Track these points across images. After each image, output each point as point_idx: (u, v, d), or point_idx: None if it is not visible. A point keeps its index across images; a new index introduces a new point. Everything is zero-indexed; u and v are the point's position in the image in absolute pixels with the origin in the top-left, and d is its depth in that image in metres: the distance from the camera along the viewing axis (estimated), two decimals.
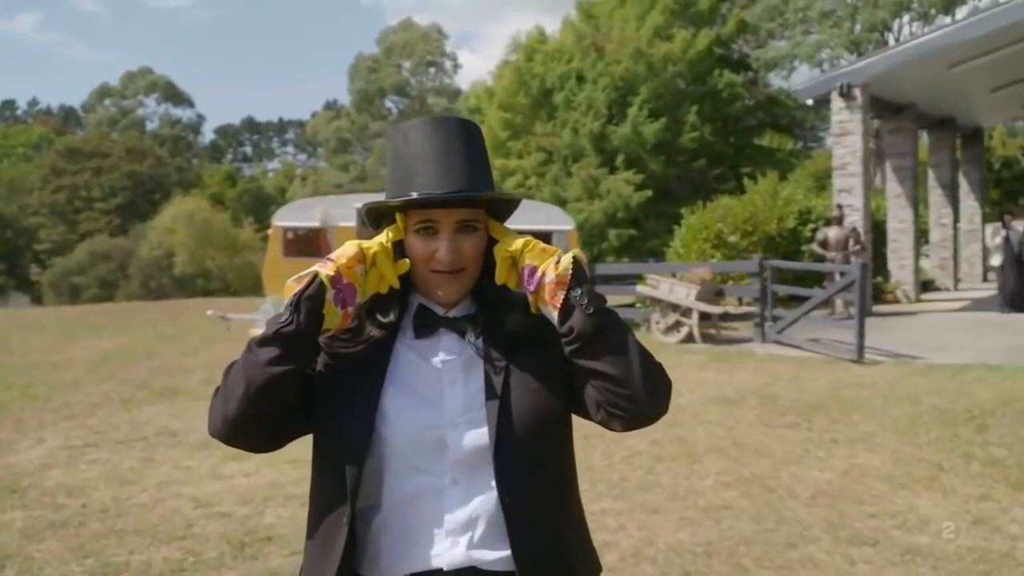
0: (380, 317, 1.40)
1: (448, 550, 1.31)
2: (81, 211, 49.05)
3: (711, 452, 5.80)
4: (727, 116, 31.89)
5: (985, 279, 20.58)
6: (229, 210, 43.79)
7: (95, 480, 5.40)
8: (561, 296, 1.28)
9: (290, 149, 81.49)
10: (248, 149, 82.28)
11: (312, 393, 1.39)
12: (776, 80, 35.79)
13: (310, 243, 13.31)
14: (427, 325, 1.39)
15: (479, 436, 1.33)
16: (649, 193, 27.98)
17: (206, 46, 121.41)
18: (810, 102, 15.71)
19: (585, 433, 5.80)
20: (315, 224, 12.94)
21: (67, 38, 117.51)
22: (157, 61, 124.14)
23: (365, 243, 1.36)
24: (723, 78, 30.42)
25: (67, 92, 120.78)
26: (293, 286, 1.31)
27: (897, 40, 31.64)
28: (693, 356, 10.23)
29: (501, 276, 1.37)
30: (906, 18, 35.51)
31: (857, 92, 13.93)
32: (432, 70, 60.57)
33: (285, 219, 13.22)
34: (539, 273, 1.31)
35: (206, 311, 13.82)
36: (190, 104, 66.40)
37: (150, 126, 64.15)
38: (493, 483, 1.32)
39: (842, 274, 12.97)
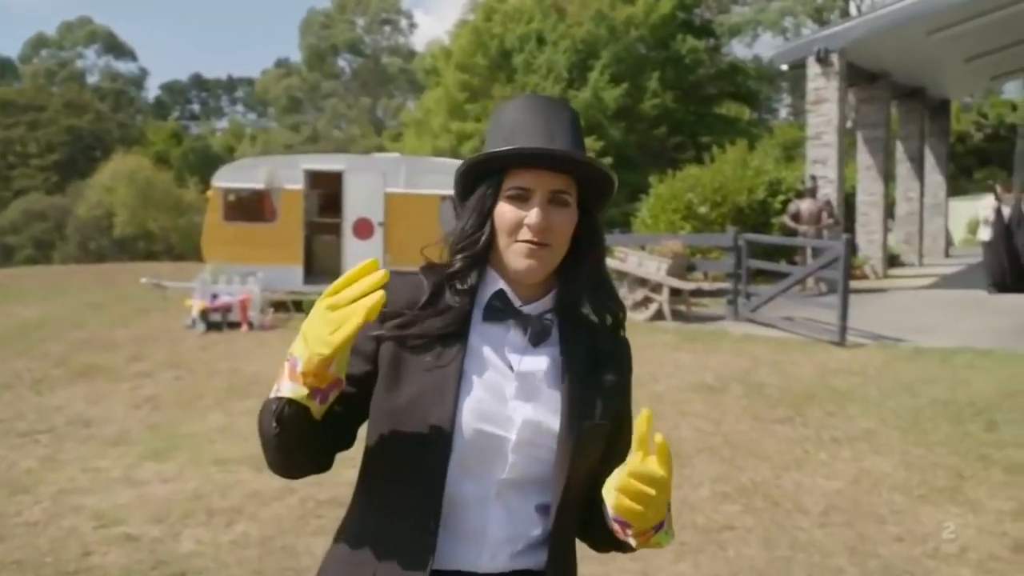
0: (459, 284, 1.30)
1: (488, 561, 1.25)
2: (15, 167, 46.77)
3: (701, 452, 5.15)
4: (689, 83, 31.24)
5: (947, 255, 20.37)
6: (174, 169, 42.08)
7: None
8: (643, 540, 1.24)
9: (240, 108, 79.04)
10: (196, 107, 79.57)
11: (368, 377, 1.28)
12: (738, 48, 35.26)
13: (254, 206, 12.28)
14: (499, 310, 1.30)
15: (541, 466, 1.25)
16: (609, 161, 27.22)
17: None
18: (784, 67, 15.04)
19: None
20: (259, 186, 11.89)
21: None
22: (98, 12, 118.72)
23: (324, 344, 1.10)
24: (686, 43, 29.72)
25: (2, 43, 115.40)
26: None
27: (859, 10, 31.27)
28: (664, 335, 9.59)
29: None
30: None
31: (834, 58, 13.30)
32: (387, 28, 58.79)
33: (227, 180, 12.12)
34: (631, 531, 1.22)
35: (140, 278, 12.83)
36: (133, 57, 63.62)
37: (91, 80, 61.43)
38: (537, 509, 1.27)
39: (815, 250, 12.50)
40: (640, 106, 28.49)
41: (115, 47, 61.50)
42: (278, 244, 11.76)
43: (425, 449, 1.23)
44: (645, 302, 11.04)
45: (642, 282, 11.01)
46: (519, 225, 1.26)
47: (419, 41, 70.19)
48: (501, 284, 1.31)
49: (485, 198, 1.29)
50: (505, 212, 1.27)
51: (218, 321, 10.38)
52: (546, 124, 1.28)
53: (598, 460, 1.30)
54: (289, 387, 1.14)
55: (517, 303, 1.30)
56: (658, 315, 10.84)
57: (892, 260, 16.54)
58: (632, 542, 1.22)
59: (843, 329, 8.84)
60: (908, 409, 6.11)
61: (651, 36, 29.23)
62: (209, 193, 12.48)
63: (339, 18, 56.64)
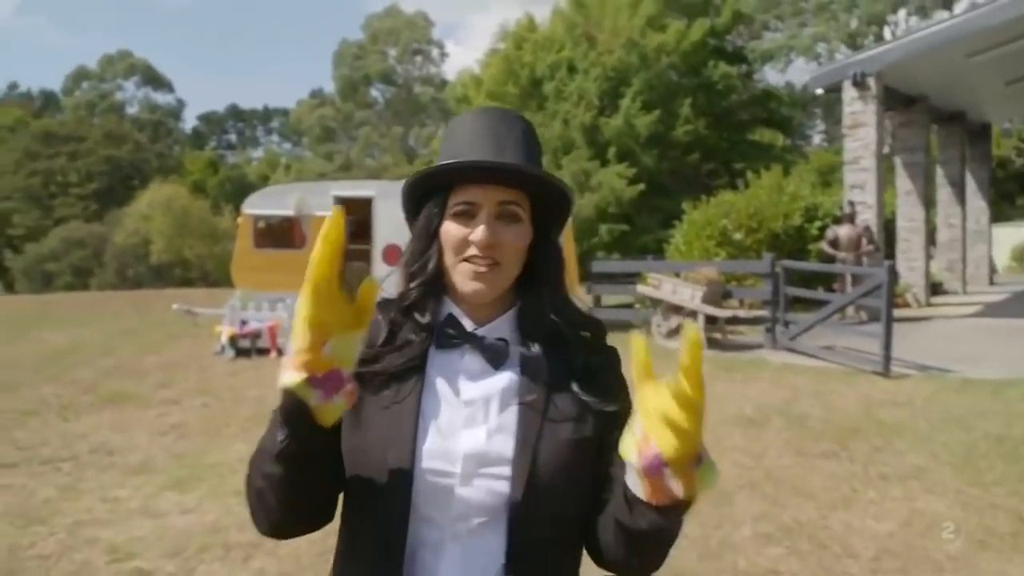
0: (419, 317, 1.24)
1: None
2: (56, 196, 47.63)
3: (742, 489, 4.90)
4: (721, 110, 31.03)
5: (991, 282, 19.86)
6: (210, 198, 42.57)
7: None
8: (672, 491, 0.99)
9: (275, 138, 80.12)
10: (232, 137, 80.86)
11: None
12: (771, 74, 35.06)
13: (283, 233, 12.24)
14: (451, 337, 1.22)
15: (496, 496, 1.15)
16: (642, 187, 27.07)
17: (190, 33, 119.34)
18: (819, 91, 14.78)
19: None
20: (289, 213, 11.87)
21: (46, 22, 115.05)
22: (140, 48, 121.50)
23: (304, 304, 1.03)
24: (718, 70, 29.57)
25: (47, 77, 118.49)
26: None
27: (894, 35, 30.93)
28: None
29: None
30: (902, 13, 34.84)
31: (871, 81, 13.06)
32: (419, 58, 59.33)
33: (256, 207, 12.12)
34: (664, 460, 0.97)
35: (171, 305, 12.83)
36: (170, 89, 64.76)
37: (130, 111, 62.61)
38: (497, 549, 1.15)
39: (855, 277, 12.19)
40: (672, 133, 28.32)
41: (153, 79, 62.73)
42: (306, 271, 11.67)
43: (384, 495, 1.16)
44: (679, 329, 10.79)
45: (676, 309, 10.78)
46: (465, 243, 1.19)
47: (450, 70, 70.71)
48: (451, 308, 1.25)
49: (431, 217, 1.23)
50: (451, 230, 1.21)
51: (247, 348, 10.30)
52: (495, 138, 1.22)
53: (586, 485, 1.20)
54: (285, 378, 1.03)
55: (470, 326, 1.24)
56: None
57: (934, 288, 16.13)
58: (674, 487, 0.99)
59: (887, 359, 8.52)
60: (960, 444, 5.80)
61: (683, 63, 29.11)
62: (239, 220, 12.48)
63: (371, 49, 57.29)
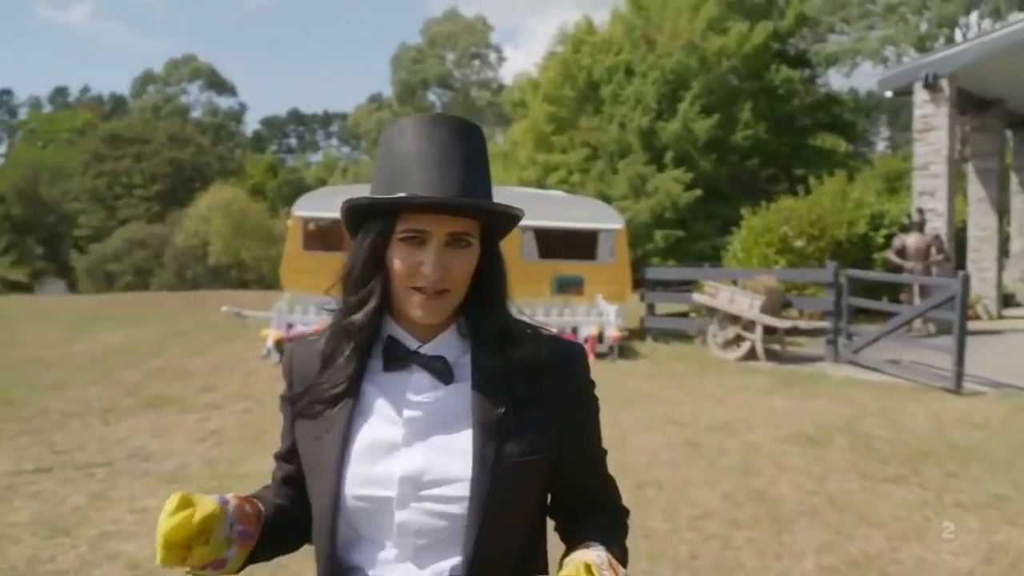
0: (357, 340, 1.21)
1: None
2: (121, 197, 48.73)
3: (802, 516, 4.54)
4: (782, 114, 30.30)
5: None
6: (268, 201, 43.13)
7: (21, 527, 4.29)
8: None
9: (334, 142, 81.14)
10: (293, 141, 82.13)
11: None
12: (835, 79, 34.17)
13: (333, 236, 12.13)
14: (396, 359, 1.20)
15: (442, 518, 1.13)
16: (699, 193, 26.54)
17: (258, 35, 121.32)
18: (889, 94, 14.19)
19: (639, 481, 4.55)
20: (338, 215, 11.72)
21: (120, 27, 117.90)
22: (208, 51, 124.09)
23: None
24: (780, 74, 28.87)
25: (118, 81, 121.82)
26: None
27: (964, 38, 29.83)
28: (758, 377, 8.93)
29: None
30: (974, 16, 33.64)
31: (944, 83, 12.47)
32: (476, 62, 59.38)
33: (306, 208, 12.02)
34: None
35: (221, 307, 12.82)
36: (233, 92, 65.97)
37: (194, 114, 63.91)
38: (453, 570, 1.13)
39: (923, 288, 11.64)
40: (731, 137, 27.76)
41: (217, 83, 63.89)
42: None
43: (318, 523, 1.19)
44: (736, 340, 10.39)
45: (734, 319, 10.37)
46: (414, 271, 1.15)
47: (508, 75, 70.62)
48: (392, 328, 1.22)
49: (376, 243, 1.17)
50: (399, 256, 1.16)
51: None
52: (440, 157, 1.15)
53: (537, 494, 1.22)
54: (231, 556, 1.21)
55: (414, 344, 1.21)
56: (750, 355, 10.16)
57: (1006, 300, 15.37)
58: None
59: (959, 375, 8.03)
60: None
61: (744, 66, 28.50)
62: (289, 222, 12.42)
63: (430, 53, 57.56)
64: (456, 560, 1.13)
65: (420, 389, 1.18)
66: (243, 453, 5.94)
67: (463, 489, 1.12)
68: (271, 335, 10.17)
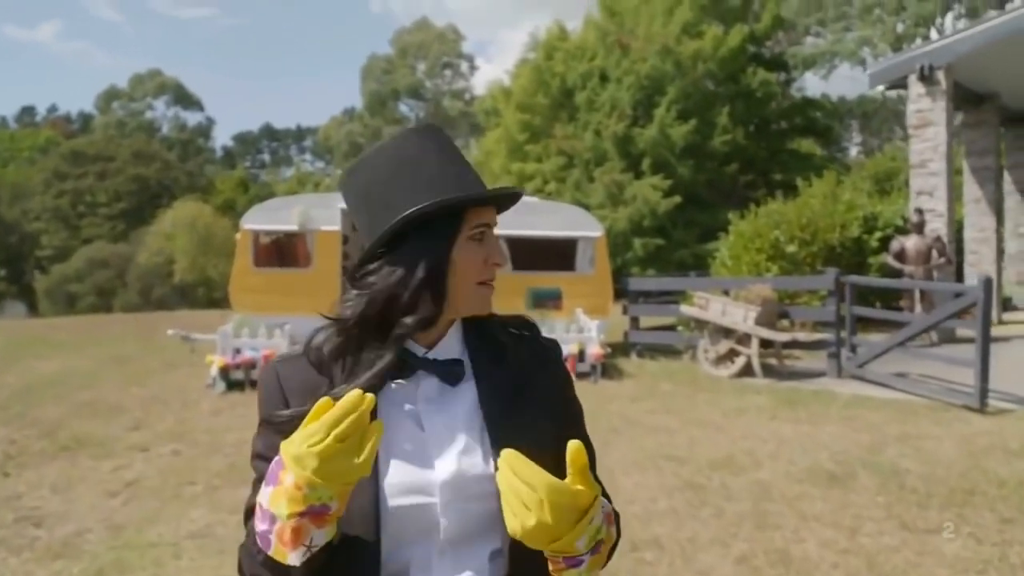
0: (372, 351, 1.19)
1: None
2: (84, 216, 47.37)
3: None
4: (760, 119, 29.65)
5: None
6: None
7: None
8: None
9: (308, 156, 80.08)
10: (266, 156, 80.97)
11: None
12: (810, 84, 33.67)
13: (287, 250, 11.10)
14: (410, 367, 1.20)
15: (482, 514, 1.16)
16: (677, 200, 25.75)
17: (228, 54, 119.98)
18: (880, 88, 13.44)
19: (634, 542, 3.63)
20: (292, 227, 10.76)
21: (89, 46, 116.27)
22: (180, 70, 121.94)
23: (342, 467, 1.02)
24: (756, 77, 28.22)
25: (87, 100, 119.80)
26: None
27: (955, 29, 29.38)
28: (757, 397, 8.04)
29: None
30: (949, 17, 33.25)
31: (940, 75, 11.70)
32: (448, 72, 58.51)
33: (256, 221, 10.97)
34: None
35: (167, 330, 11.78)
36: (200, 107, 64.71)
37: (163, 131, 62.53)
38: (492, 556, 1.17)
39: (924, 293, 10.86)
40: (709, 143, 27.03)
41: (183, 98, 62.60)
42: (312, 292, 10.50)
43: (360, 532, 1.14)
44: (730, 355, 9.50)
45: (726, 332, 9.49)
46: (484, 266, 1.21)
47: (480, 85, 69.83)
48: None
49: (442, 246, 1.18)
50: (469, 254, 1.19)
51: (240, 380, 9.16)
52: (456, 157, 1.22)
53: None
54: (321, 535, 1.05)
55: (421, 351, 1.22)
56: (746, 370, 9.28)
57: (1004, 303, 14.65)
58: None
59: (983, 391, 7.17)
60: None
61: (720, 70, 27.82)
62: (238, 236, 11.40)
63: (400, 63, 56.64)
64: (495, 546, 1.17)
65: (431, 393, 1.20)
66: (156, 512, 4.93)
67: (493, 484, 1.11)
68: (216, 361, 9.14)
